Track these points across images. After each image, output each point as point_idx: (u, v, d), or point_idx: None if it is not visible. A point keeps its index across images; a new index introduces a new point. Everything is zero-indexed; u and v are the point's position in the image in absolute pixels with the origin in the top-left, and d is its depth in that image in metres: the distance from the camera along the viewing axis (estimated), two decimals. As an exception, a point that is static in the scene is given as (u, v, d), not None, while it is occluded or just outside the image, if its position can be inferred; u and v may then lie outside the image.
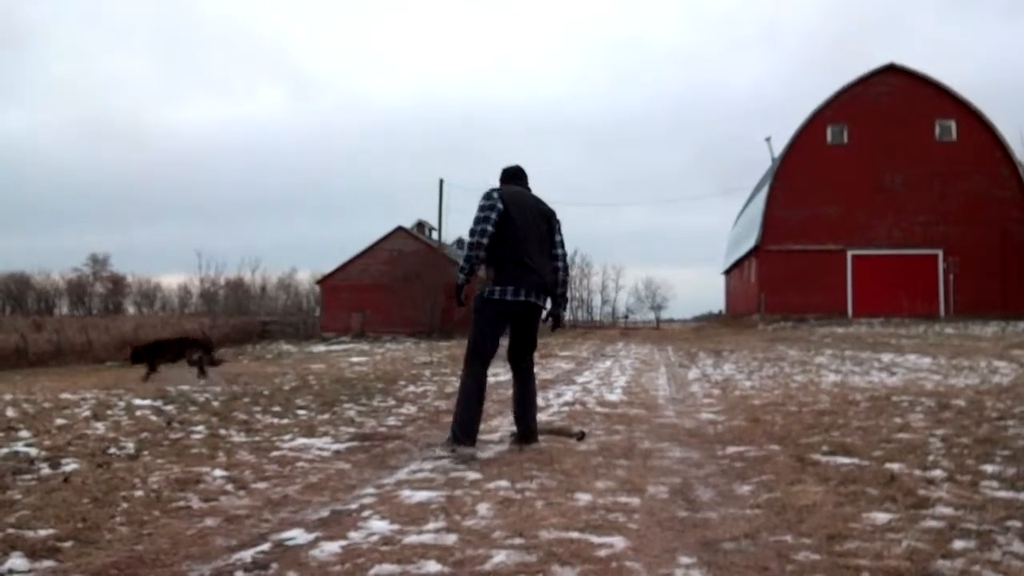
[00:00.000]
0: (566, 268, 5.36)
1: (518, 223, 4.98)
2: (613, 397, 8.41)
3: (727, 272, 47.62)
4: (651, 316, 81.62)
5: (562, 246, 5.33)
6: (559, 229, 5.33)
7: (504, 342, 5.21)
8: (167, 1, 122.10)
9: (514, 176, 5.37)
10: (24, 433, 5.65)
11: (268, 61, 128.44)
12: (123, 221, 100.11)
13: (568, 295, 5.43)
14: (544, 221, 5.20)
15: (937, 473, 3.95)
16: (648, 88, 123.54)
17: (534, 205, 5.19)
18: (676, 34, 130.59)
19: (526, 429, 5.23)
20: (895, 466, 4.14)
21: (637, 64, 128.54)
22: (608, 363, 14.86)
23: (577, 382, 10.50)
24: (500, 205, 4.97)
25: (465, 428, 4.89)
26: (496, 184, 5.32)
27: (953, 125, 32.67)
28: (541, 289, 5.10)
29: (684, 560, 2.77)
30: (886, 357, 13.38)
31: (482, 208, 4.97)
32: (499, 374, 7.75)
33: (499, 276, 5.00)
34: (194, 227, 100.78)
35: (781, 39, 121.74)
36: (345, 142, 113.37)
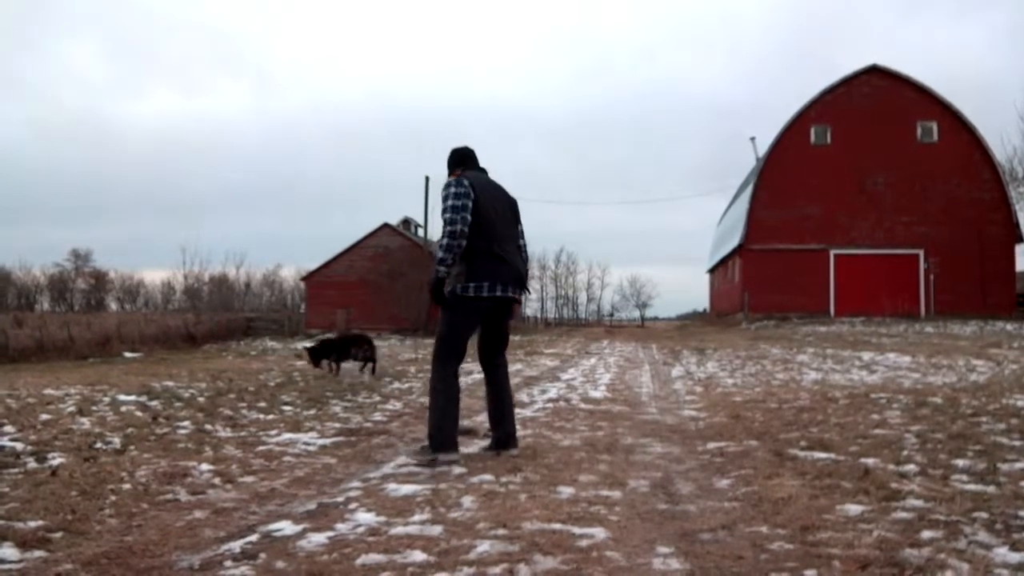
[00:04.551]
0: (526, 258, 5.14)
1: (490, 212, 4.70)
2: (597, 394, 8.50)
3: (712, 271, 47.95)
4: (636, 314, 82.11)
5: (523, 235, 5.10)
6: (520, 217, 5.08)
7: (473, 339, 4.95)
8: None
9: (468, 158, 4.99)
10: (8, 428, 5.65)
11: (225, 56, 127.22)
12: (104, 216, 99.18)
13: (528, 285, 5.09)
14: (510, 209, 4.95)
15: (910, 467, 4.06)
16: (610, 84, 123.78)
17: (500, 192, 4.93)
18: (633, 29, 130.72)
19: (504, 434, 4.87)
20: (870, 461, 4.25)
21: (596, 61, 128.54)
22: (593, 360, 14.96)
23: (562, 379, 10.58)
24: (473, 193, 4.66)
25: (446, 434, 4.61)
26: (445, 168, 5.01)
27: (935, 127, 33.07)
28: (517, 282, 4.82)
29: (662, 550, 2.85)
30: (866, 355, 13.56)
31: (457, 196, 4.61)
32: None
33: (472, 270, 4.67)
34: (177, 223, 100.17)
35: (740, 34, 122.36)
36: (320, 139, 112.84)
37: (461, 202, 4.60)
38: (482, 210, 4.64)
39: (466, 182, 4.67)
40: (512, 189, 5.04)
